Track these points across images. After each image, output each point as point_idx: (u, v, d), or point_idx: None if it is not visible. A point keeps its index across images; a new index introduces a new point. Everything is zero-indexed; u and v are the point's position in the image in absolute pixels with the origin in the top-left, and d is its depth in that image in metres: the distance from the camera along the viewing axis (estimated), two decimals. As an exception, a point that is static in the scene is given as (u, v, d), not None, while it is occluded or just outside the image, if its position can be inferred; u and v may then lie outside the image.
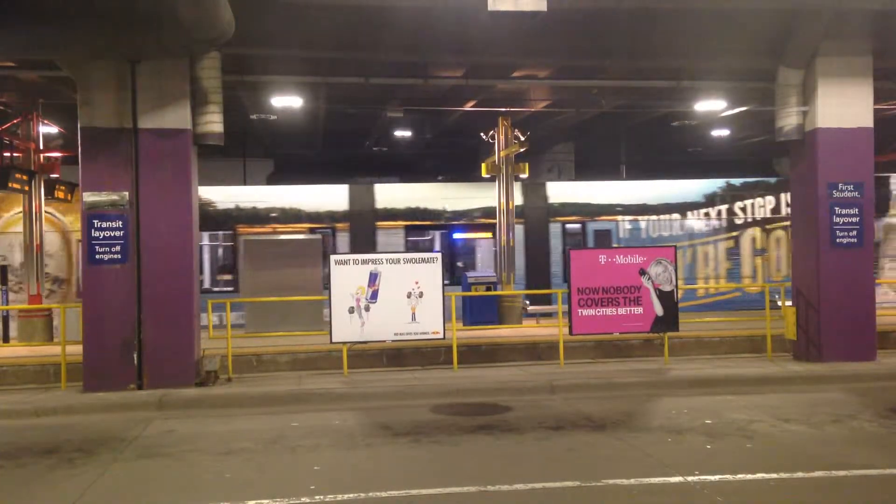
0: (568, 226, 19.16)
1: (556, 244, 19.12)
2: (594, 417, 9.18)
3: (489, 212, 18.27)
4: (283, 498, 6.33)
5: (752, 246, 19.48)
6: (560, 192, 19.57)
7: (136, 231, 10.85)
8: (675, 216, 19.35)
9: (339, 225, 18.58)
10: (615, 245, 18.30)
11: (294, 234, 17.92)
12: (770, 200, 19.55)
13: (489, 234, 18.80)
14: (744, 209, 19.61)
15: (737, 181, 19.96)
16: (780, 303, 13.36)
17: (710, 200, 19.60)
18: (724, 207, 19.55)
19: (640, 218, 19.25)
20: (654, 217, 19.28)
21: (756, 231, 19.58)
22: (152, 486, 6.95)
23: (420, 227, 19.05)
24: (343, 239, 18.57)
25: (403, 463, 7.49)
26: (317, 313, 15.02)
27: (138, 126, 10.84)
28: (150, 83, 10.87)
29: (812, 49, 11.99)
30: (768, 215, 19.45)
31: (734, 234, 19.38)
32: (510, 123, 16.69)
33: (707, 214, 19.51)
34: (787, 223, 18.92)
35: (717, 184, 19.80)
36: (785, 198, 19.30)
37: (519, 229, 18.05)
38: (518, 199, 18.40)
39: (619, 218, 19.20)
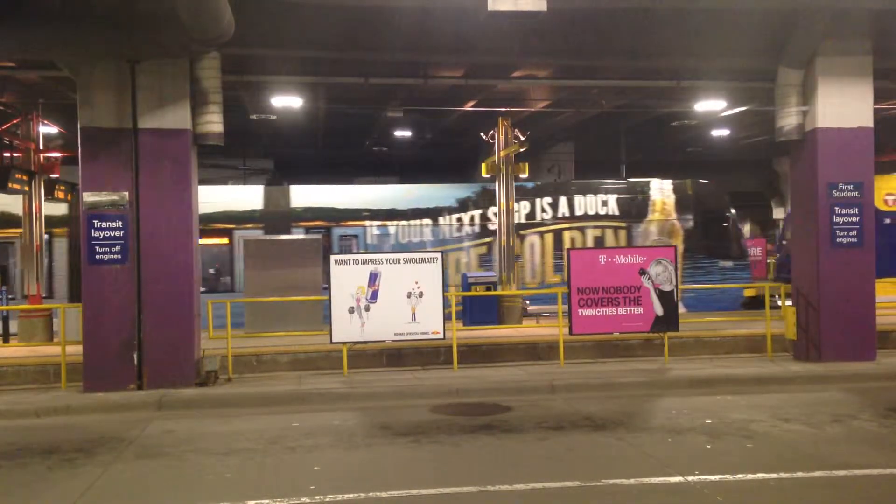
0: (312, 231, 18.27)
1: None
2: (594, 417, 9.18)
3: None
4: (283, 498, 6.33)
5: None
6: (304, 195, 18.71)
7: (136, 231, 10.85)
8: (427, 221, 18.73)
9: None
10: (361, 251, 17.81)
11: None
12: (525, 206, 18.89)
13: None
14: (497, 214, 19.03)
15: (493, 186, 19.29)
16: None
17: (464, 205, 18.98)
18: (477, 213, 18.89)
19: (388, 223, 18.58)
20: (403, 222, 18.61)
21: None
22: (152, 486, 6.95)
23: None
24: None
25: (403, 463, 7.49)
26: (317, 313, 15.02)
27: (138, 126, 10.84)
28: (150, 83, 10.86)
29: (812, 49, 11.98)
30: (523, 221, 18.74)
31: (487, 240, 18.68)
32: (510, 123, 16.69)
33: (460, 220, 18.89)
34: (543, 229, 18.90)
35: (472, 188, 19.36)
36: (541, 203, 19.04)
37: (259, 233, 17.73)
38: (259, 202, 18.21)
39: (367, 223, 18.51)
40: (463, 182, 21.42)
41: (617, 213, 19.26)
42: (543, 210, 19.09)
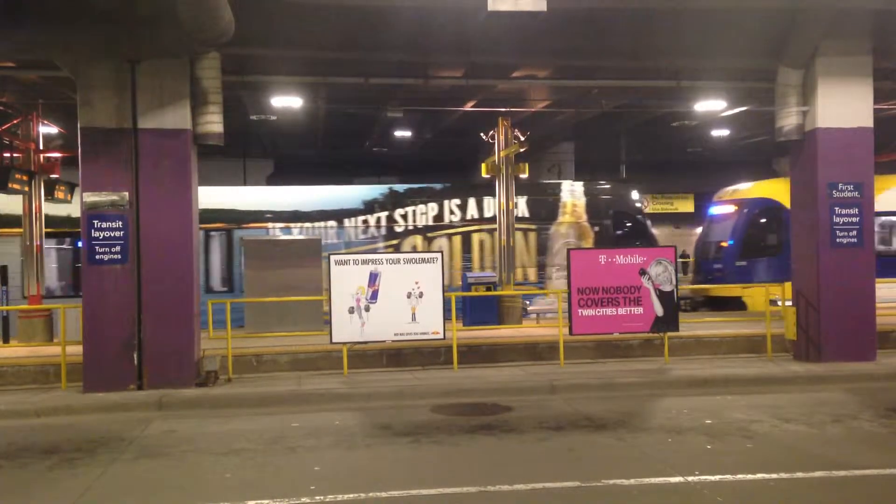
0: (212, 233, 17.99)
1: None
2: (594, 417, 9.18)
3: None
4: (283, 498, 6.33)
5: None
6: (205, 196, 18.00)
7: (136, 231, 10.85)
8: (331, 223, 18.54)
9: None
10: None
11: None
12: (433, 208, 18.74)
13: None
14: (405, 216, 18.85)
15: (400, 187, 19.29)
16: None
17: (370, 207, 18.81)
18: (384, 215, 18.73)
19: (292, 225, 18.45)
20: (307, 224, 18.44)
21: (417, 239, 18.82)
22: (152, 486, 6.95)
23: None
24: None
25: (404, 463, 7.49)
26: (317, 313, 15.02)
27: (138, 126, 10.83)
28: (150, 83, 10.86)
29: (812, 49, 11.98)
30: (430, 223, 18.67)
31: (394, 242, 18.63)
32: (510, 123, 16.69)
33: (366, 222, 18.75)
34: (451, 231, 18.64)
35: (378, 190, 19.19)
36: (449, 205, 18.81)
37: None
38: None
39: (270, 225, 18.30)
40: (371, 183, 21.05)
41: (527, 215, 18.96)
42: (452, 212, 18.78)
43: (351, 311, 11.69)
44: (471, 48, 12.28)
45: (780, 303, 13.42)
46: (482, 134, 16.99)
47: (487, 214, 18.83)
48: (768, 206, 19.28)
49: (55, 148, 16.46)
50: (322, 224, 18.51)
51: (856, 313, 12.09)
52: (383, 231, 18.74)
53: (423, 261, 12.03)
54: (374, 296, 11.74)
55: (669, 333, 12.41)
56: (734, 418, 8.97)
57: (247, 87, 14.93)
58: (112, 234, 10.84)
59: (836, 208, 12.09)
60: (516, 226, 17.99)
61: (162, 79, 10.89)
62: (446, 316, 12.03)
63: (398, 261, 11.99)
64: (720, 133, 23.93)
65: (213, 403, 10.41)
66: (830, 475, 6.77)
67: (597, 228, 19.30)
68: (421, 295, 11.80)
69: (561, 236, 19.05)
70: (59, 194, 15.68)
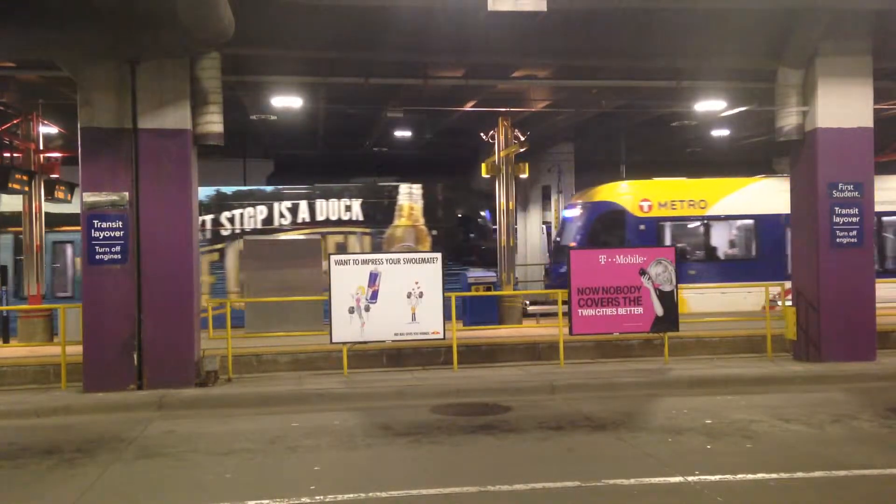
0: (21, 236, 16.48)
1: (5, 256, 17.42)
2: (594, 417, 9.18)
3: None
4: (283, 498, 6.33)
5: (237, 259, 17.84)
6: (11, 199, 16.83)
7: (135, 231, 10.85)
8: None
9: None
10: (77, 258, 16.66)
11: None
12: (262, 211, 18.01)
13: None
14: (231, 220, 18.11)
15: (228, 190, 18.48)
16: None
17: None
18: (209, 218, 17.93)
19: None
20: None
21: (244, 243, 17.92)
22: (152, 486, 6.95)
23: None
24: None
25: (403, 463, 7.49)
26: (317, 313, 15.02)
27: (138, 126, 10.83)
28: (150, 83, 10.86)
29: (812, 49, 11.99)
30: (259, 226, 17.98)
31: (219, 246, 17.93)
32: (510, 123, 16.70)
33: None
34: (281, 235, 17.89)
35: (204, 192, 17.62)
36: (279, 208, 18.07)
37: None
38: None
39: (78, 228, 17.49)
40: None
41: (361, 218, 18.43)
42: (282, 215, 18.16)
43: (351, 311, 11.69)
44: (471, 48, 12.28)
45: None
46: (482, 134, 16.99)
47: (320, 218, 18.29)
48: (610, 210, 18.96)
49: (55, 148, 16.46)
50: None
51: (856, 313, 12.09)
52: (208, 235, 17.91)
53: (423, 261, 12.02)
54: (374, 296, 11.74)
55: (669, 333, 12.41)
56: (734, 418, 8.97)
57: (247, 87, 14.94)
58: (112, 234, 10.84)
59: (836, 208, 12.09)
60: (350, 229, 17.72)
61: (162, 79, 10.89)
62: (446, 316, 12.03)
63: (398, 261, 11.99)
64: (720, 133, 23.90)
65: (213, 403, 10.41)
66: (830, 475, 6.77)
67: (434, 232, 18.71)
68: (421, 295, 11.80)
69: (397, 240, 18.46)
70: (59, 194, 15.69)
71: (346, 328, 11.70)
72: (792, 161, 13.13)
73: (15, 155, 15.22)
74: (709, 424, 8.72)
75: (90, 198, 10.84)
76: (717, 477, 6.73)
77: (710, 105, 15.55)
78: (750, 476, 6.75)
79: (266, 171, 29.52)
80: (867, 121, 12.17)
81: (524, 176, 16.92)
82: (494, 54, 12.66)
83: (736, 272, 17.75)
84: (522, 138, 16.69)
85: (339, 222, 18.29)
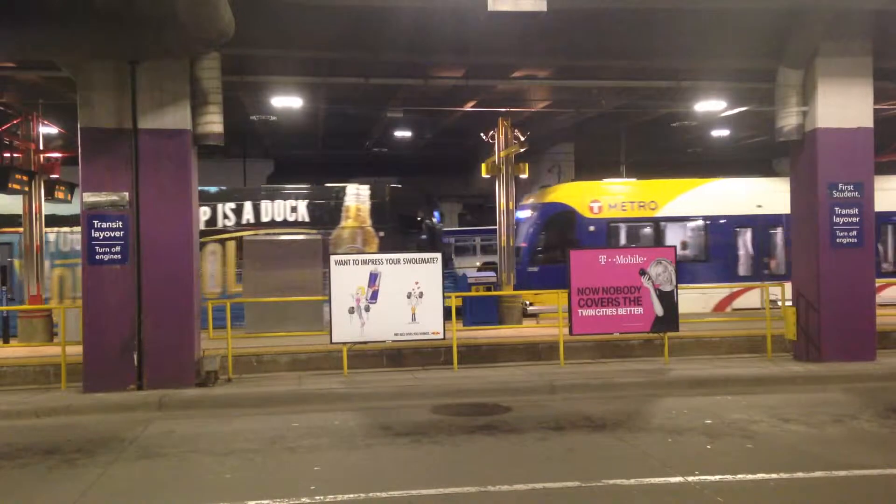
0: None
1: None
2: (594, 417, 9.18)
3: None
4: (283, 498, 6.33)
5: None
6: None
7: (136, 231, 10.85)
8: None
9: None
10: None
11: None
12: (205, 212, 17.33)
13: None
14: None
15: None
16: None
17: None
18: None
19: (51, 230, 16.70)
20: (66, 229, 16.94)
21: None
22: (152, 486, 6.95)
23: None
24: None
25: (403, 463, 7.49)
26: (317, 313, 15.02)
27: (138, 126, 10.83)
28: (150, 83, 10.86)
29: (812, 49, 11.99)
30: (202, 227, 16.99)
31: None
32: (510, 124, 16.70)
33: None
34: (225, 236, 17.39)
35: None
36: (223, 209, 17.61)
37: None
38: None
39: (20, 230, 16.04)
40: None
41: (307, 219, 18.04)
42: (226, 216, 17.75)
43: (351, 311, 11.69)
44: (471, 48, 12.29)
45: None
46: (482, 134, 17.00)
47: (265, 219, 17.89)
48: (560, 211, 18.81)
49: (55, 148, 16.46)
50: (69, 229, 16.98)
51: (856, 313, 12.09)
52: None
53: (423, 261, 12.02)
54: (374, 296, 11.74)
55: (669, 333, 12.41)
56: (734, 418, 8.96)
57: (247, 87, 14.96)
58: (112, 235, 10.83)
59: (836, 208, 12.09)
60: (295, 230, 17.47)
61: (162, 79, 10.89)
62: (446, 316, 12.03)
63: (398, 261, 11.99)
64: (720, 133, 23.93)
65: (213, 403, 10.40)
66: (830, 475, 6.77)
67: (381, 234, 18.33)
68: (421, 295, 11.80)
69: (344, 241, 18.15)
70: (59, 194, 15.68)
71: (346, 328, 11.70)
72: (792, 161, 13.13)
73: (15, 155, 15.21)
74: (709, 424, 8.72)
75: (90, 198, 10.84)
76: (717, 477, 6.72)
77: (710, 105, 15.58)
78: (750, 476, 6.75)
79: (266, 171, 29.58)
80: (867, 121, 12.17)
81: (524, 176, 16.91)
82: (494, 54, 12.67)
83: (685, 274, 17.28)
84: (522, 138, 16.69)
85: (285, 223, 17.95)
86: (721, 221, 18.75)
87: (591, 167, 25.98)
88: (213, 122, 11.20)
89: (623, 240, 18.54)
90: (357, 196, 18.42)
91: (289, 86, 14.61)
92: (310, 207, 18.14)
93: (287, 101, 15.55)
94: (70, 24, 10.13)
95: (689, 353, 13.19)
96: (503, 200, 16.52)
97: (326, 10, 11.15)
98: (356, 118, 21.22)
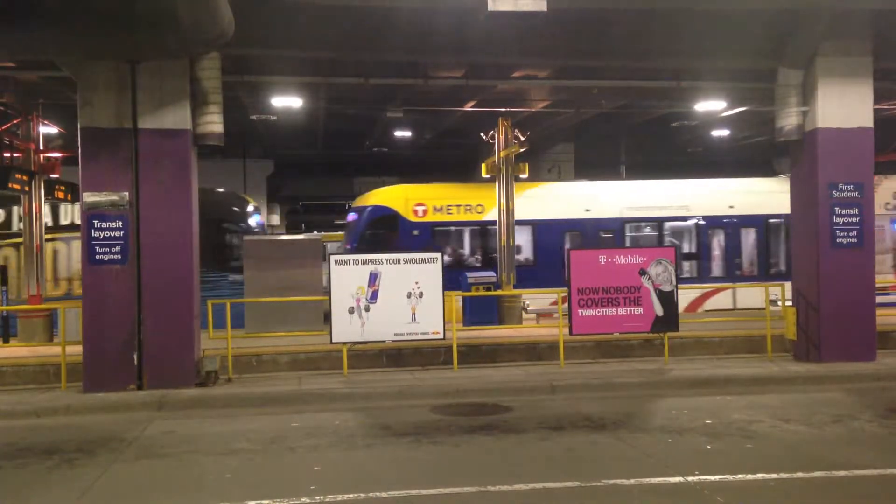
0: None
1: None
2: (594, 417, 9.18)
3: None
4: (283, 498, 6.33)
5: None
6: None
7: (136, 231, 10.85)
8: None
9: None
10: None
11: None
12: None
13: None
14: None
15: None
16: None
17: None
18: None
19: None
20: None
21: None
22: (152, 486, 6.95)
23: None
24: None
25: (403, 463, 7.49)
26: (317, 313, 15.01)
27: (138, 126, 10.84)
28: (150, 83, 10.86)
29: (812, 49, 11.99)
30: None
31: None
32: (510, 124, 16.68)
33: None
34: (20, 241, 16.09)
35: None
36: (18, 210, 16.04)
37: None
38: None
39: None
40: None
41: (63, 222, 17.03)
42: (21, 219, 16.34)
43: (351, 311, 11.69)
44: (471, 48, 12.28)
45: None
46: (482, 134, 16.99)
47: (64, 222, 17.02)
48: (383, 214, 18.64)
49: (55, 148, 16.44)
50: None
51: (856, 313, 12.08)
52: None
53: (423, 261, 12.02)
54: (374, 296, 11.74)
55: (669, 333, 12.41)
56: (734, 418, 8.97)
57: (247, 87, 14.93)
58: (112, 234, 10.84)
59: (837, 208, 12.09)
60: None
61: (162, 79, 10.89)
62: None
63: (398, 261, 11.98)
64: (720, 133, 23.92)
65: (212, 403, 10.41)
66: (830, 475, 6.77)
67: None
68: (421, 295, 11.80)
69: None
70: (59, 194, 15.67)
71: (346, 328, 11.69)
72: (792, 161, 13.13)
73: (15, 155, 15.20)
74: (709, 424, 8.72)
75: (90, 198, 10.84)
76: (717, 477, 6.73)
77: (710, 105, 15.55)
78: (750, 476, 6.75)
79: (266, 171, 29.60)
80: (867, 121, 12.17)
81: (524, 176, 16.88)
82: (494, 54, 12.67)
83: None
84: (522, 138, 16.67)
85: None
86: (547, 225, 18.46)
87: (591, 167, 25.97)
88: (214, 122, 11.21)
89: (449, 244, 18.22)
90: None
91: (289, 86, 14.59)
92: None
93: (287, 101, 15.53)
94: (70, 24, 10.10)
95: (689, 353, 13.18)
96: (503, 200, 16.50)
97: (326, 10, 11.14)
98: (356, 118, 21.22)
